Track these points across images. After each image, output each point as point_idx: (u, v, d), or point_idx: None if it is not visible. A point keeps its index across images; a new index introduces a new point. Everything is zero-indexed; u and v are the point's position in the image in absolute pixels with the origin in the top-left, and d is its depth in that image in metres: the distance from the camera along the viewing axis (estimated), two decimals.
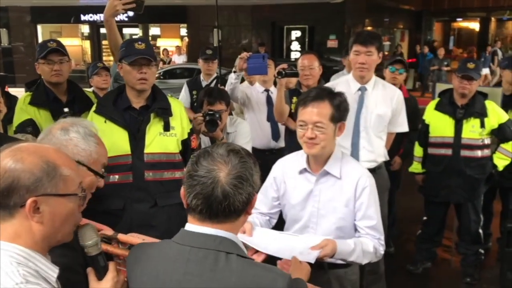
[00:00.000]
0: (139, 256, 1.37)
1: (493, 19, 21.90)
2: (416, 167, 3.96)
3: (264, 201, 2.24)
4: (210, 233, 1.26)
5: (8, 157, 1.14)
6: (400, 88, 4.16)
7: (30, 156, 1.16)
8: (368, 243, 2.04)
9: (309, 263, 1.78)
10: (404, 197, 4.58)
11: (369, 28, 15.67)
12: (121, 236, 1.92)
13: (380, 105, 3.08)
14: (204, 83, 4.62)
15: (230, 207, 1.23)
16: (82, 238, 1.39)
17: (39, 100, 2.84)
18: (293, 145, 3.46)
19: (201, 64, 4.66)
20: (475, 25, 23.16)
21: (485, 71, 13.37)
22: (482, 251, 3.96)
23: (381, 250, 2.09)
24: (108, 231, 1.97)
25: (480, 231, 3.85)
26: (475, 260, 3.88)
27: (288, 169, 2.20)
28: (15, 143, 1.22)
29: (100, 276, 1.39)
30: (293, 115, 3.57)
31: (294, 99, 3.56)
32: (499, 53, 15.62)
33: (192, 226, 1.29)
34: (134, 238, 1.94)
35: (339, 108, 2.01)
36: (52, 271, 1.18)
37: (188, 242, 1.27)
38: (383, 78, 3.50)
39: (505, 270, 3.68)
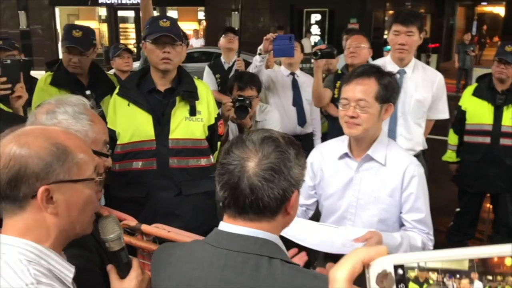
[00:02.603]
0: (167, 258, 1.21)
1: None
2: (450, 155, 3.76)
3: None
4: (249, 234, 1.10)
5: (11, 142, 1.01)
6: None
7: (36, 140, 1.02)
8: (416, 237, 1.87)
9: None
10: (431, 187, 4.39)
11: (390, 12, 15.31)
12: (145, 227, 1.82)
13: (420, 89, 2.89)
14: (226, 66, 4.47)
15: (259, 202, 1.08)
16: (103, 231, 1.23)
17: (60, 80, 2.79)
18: (335, 132, 3.31)
19: (222, 42, 4.48)
20: (500, 10, 22.50)
21: None
22: None
23: (430, 245, 1.92)
24: (131, 221, 1.86)
25: None
26: None
27: (326, 154, 2.01)
28: (19, 126, 1.08)
29: (123, 274, 1.24)
30: (335, 101, 3.39)
31: (338, 84, 3.38)
32: None
33: (226, 225, 1.14)
34: (159, 229, 1.83)
35: (387, 88, 1.81)
36: (68, 271, 1.04)
37: (225, 245, 1.11)
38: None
39: None
